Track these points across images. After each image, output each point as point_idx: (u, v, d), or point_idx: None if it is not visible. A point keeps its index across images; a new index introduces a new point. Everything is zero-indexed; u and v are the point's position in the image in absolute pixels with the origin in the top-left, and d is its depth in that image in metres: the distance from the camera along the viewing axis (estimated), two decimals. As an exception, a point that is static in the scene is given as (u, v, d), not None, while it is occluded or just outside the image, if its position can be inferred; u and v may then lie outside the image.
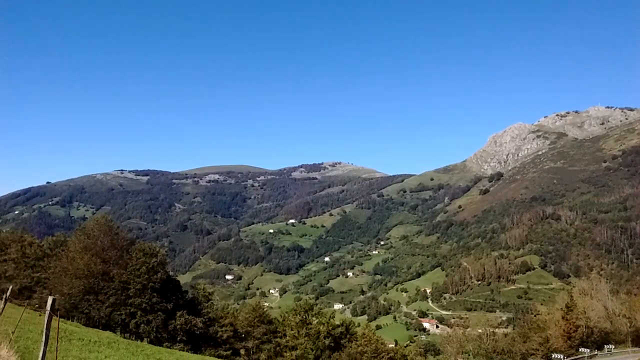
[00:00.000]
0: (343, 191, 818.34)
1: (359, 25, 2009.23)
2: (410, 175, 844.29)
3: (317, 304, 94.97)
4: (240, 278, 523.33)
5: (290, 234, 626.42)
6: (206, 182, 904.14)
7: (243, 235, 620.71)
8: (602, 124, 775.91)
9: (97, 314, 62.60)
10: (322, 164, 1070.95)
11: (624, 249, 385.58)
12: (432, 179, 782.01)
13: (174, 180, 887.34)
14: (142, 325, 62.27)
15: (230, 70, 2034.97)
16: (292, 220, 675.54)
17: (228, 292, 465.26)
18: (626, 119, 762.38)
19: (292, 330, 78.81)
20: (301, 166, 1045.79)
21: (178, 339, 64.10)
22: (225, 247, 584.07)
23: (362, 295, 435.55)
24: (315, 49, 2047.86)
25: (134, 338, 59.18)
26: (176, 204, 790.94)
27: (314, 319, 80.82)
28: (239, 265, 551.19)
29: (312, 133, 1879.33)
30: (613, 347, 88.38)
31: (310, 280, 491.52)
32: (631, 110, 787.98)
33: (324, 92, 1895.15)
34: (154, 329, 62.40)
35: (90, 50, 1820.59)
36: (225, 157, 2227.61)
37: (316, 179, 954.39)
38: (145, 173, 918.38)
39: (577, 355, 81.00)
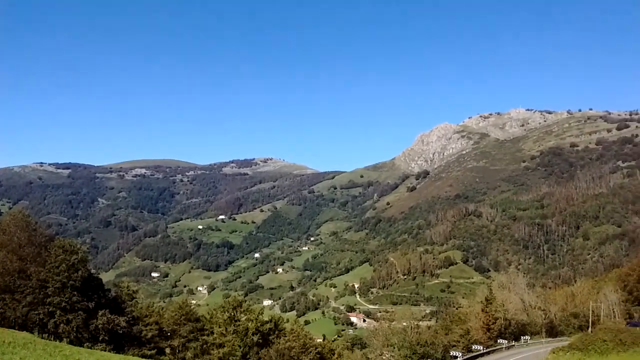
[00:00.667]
0: (274, 187, 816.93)
1: (280, 14, 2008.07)
2: (341, 172, 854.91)
3: (246, 301, 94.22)
4: (167, 275, 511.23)
5: (220, 230, 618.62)
6: (132, 176, 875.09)
7: (171, 232, 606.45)
8: (522, 125, 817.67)
9: (13, 314, 59.32)
10: (253, 159, 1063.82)
11: (540, 244, 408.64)
12: (362, 176, 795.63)
13: (97, 174, 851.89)
14: (62, 325, 59.59)
15: (159, 59, 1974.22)
16: (222, 216, 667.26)
17: (154, 290, 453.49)
18: (544, 121, 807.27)
19: (219, 327, 77.94)
20: (232, 162, 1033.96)
21: (100, 338, 61.86)
22: (152, 244, 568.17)
23: (292, 291, 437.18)
24: (246, 41, 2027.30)
25: (52, 338, 56.56)
26: (99, 199, 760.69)
27: (242, 315, 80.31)
28: (165, 263, 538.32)
29: (244, 128, 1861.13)
30: (529, 338, 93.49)
31: (240, 277, 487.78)
32: (549, 113, 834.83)
33: (257, 87, 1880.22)
34: (74, 329, 59.88)
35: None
36: (153, 151, 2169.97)
37: (247, 174, 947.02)
38: (66, 166, 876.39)
39: (495, 346, 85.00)
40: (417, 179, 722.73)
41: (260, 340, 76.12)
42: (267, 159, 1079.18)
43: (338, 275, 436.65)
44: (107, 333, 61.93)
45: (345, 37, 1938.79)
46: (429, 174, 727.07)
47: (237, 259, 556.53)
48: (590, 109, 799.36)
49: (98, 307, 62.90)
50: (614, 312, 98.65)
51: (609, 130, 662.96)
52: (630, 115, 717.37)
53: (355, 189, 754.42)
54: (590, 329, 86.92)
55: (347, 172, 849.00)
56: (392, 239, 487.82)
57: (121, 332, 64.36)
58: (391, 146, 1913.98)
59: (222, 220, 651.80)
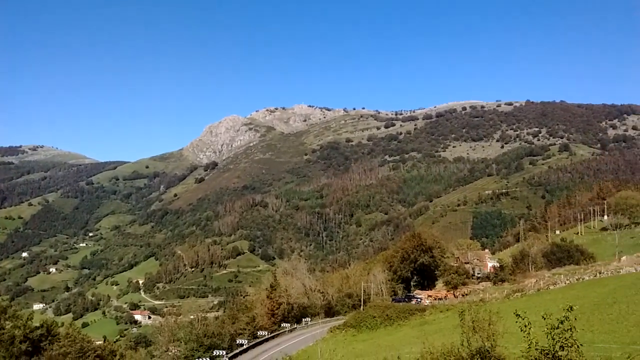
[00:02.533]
0: (45, 178, 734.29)
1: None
2: (124, 163, 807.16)
3: (12, 306, 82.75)
4: None
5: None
6: None
7: None
8: (305, 120, 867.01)
9: None
10: (20, 147, 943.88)
11: (320, 232, 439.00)
12: (147, 167, 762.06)
13: None
14: None
15: None
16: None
17: None
18: (324, 117, 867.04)
19: (-25, 339, 67.23)
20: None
21: None
22: None
23: (67, 292, 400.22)
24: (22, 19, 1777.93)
25: None
26: None
27: (7, 322, 70.48)
28: None
29: (8, 112, 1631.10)
30: (310, 319, 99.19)
31: (4, 280, 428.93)
32: (329, 110, 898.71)
33: (23, 66, 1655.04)
34: None
35: None
36: None
37: (13, 163, 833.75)
38: None
39: (279, 330, 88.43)
40: (205, 170, 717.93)
41: (30, 348, 67.66)
42: (37, 147, 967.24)
43: (121, 272, 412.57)
44: None
45: (134, 21, 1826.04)
46: (217, 165, 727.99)
47: (1, 259, 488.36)
48: (363, 108, 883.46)
49: None
50: (382, 290, 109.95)
51: (378, 128, 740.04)
52: (396, 115, 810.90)
53: (140, 180, 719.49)
54: (362, 307, 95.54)
55: (131, 162, 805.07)
56: (179, 232, 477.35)
57: None
58: (179, 136, 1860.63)
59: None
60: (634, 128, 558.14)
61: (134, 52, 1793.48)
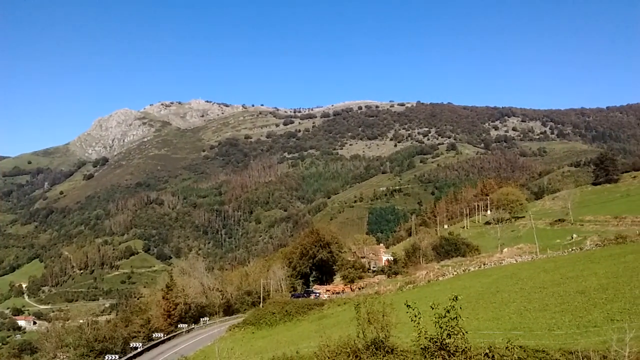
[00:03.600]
0: None
1: None
2: (4, 158, 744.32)
3: None
4: None
5: None
6: None
7: None
8: (202, 116, 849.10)
9: None
10: None
11: (219, 229, 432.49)
12: (29, 162, 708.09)
13: None
14: None
15: None
16: None
17: None
18: (222, 113, 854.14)
19: None
20: None
21: None
22: None
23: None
24: None
25: None
26: None
27: None
28: None
29: None
30: (208, 319, 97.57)
31: None
32: (227, 106, 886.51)
33: None
34: None
35: None
36: None
37: None
38: None
39: (176, 331, 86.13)
40: (94, 167, 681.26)
41: None
42: None
43: (1, 276, 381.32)
44: None
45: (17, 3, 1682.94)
46: (108, 162, 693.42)
47: None
48: (262, 105, 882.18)
49: None
50: (281, 286, 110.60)
51: (277, 125, 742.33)
52: (295, 112, 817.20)
53: (22, 176, 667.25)
54: (261, 304, 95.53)
55: (11, 157, 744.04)
56: (66, 232, 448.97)
57: None
58: (65, 130, 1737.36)
59: None
60: (514, 129, 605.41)
61: (15, 35, 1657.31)
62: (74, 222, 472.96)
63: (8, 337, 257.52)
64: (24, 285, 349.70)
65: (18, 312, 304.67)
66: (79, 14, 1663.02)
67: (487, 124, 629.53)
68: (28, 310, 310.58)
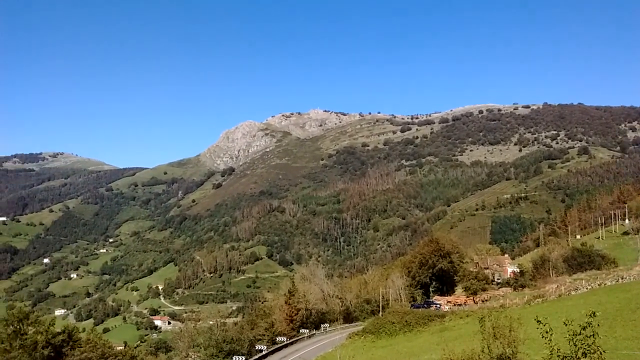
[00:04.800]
0: (66, 185, 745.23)
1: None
2: (143, 169, 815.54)
3: (34, 312, 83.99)
4: None
5: (0, 233, 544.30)
6: None
7: None
8: (321, 125, 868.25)
9: None
10: (40, 154, 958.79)
11: (337, 237, 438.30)
12: (165, 173, 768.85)
13: None
14: None
15: None
16: (2, 218, 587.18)
17: None
18: (340, 122, 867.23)
19: (2, 343, 68.45)
20: (15, 156, 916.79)
21: None
22: None
23: (88, 297, 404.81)
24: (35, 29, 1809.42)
25: None
26: None
27: (30, 328, 71.48)
28: None
29: (29, 119, 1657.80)
30: (328, 325, 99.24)
31: (27, 285, 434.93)
32: (344, 114, 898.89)
33: (42, 73, 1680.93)
34: None
35: None
36: None
37: (33, 170, 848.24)
38: None
39: (298, 336, 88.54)
40: (222, 176, 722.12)
41: (52, 354, 68.49)
42: (57, 154, 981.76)
43: (140, 278, 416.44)
44: None
45: (146, 30, 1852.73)
46: (234, 171, 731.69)
47: (23, 265, 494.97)
48: (379, 112, 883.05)
49: None
50: (400, 296, 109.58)
51: (394, 132, 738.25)
52: (412, 118, 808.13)
53: (159, 186, 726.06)
54: (381, 313, 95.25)
55: (150, 168, 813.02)
56: (197, 237, 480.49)
57: None
58: (196, 142, 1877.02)
59: (4, 223, 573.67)
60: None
61: (152, 57, 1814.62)
62: (205, 228, 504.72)
63: (146, 335, 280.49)
64: (160, 287, 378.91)
65: (155, 312, 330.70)
66: (213, 32, 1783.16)
67: (623, 125, 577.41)
68: (164, 310, 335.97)
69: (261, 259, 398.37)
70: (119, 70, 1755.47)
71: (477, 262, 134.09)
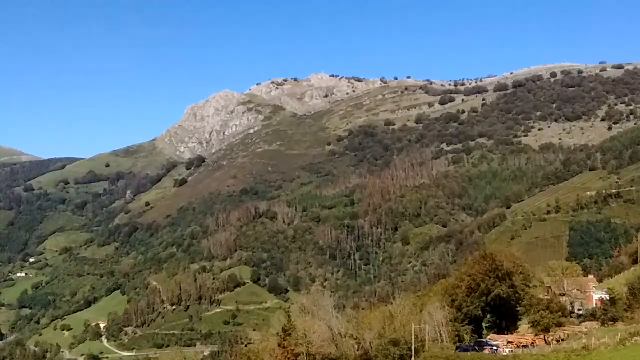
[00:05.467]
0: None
1: None
2: (76, 160, 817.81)
3: None
4: None
5: None
6: None
7: None
8: (327, 96, 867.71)
9: None
10: None
11: (352, 252, 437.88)
12: (108, 165, 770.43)
13: None
14: None
15: None
16: None
17: None
18: (353, 91, 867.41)
19: None
20: None
21: None
22: None
23: (1, 341, 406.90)
24: None
25: None
26: None
27: None
28: None
29: None
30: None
31: None
32: (359, 81, 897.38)
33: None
34: None
35: None
36: None
37: None
38: None
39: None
40: (188, 169, 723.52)
41: None
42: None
43: (74, 312, 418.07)
44: None
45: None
46: (205, 162, 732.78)
47: None
48: (409, 77, 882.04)
49: None
50: (441, 334, 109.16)
51: (430, 105, 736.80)
52: (456, 86, 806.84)
53: (98, 183, 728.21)
54: (413, 359, 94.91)
55: (86, 159, 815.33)
56: (154, 255, 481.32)
57: None
58: (150, 123, 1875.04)
59: None
60: None
61: (85, 12, 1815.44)
62: (164, 242, 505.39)
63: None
64: (102, 325, 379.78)
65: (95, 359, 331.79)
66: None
67: None
68: (107, 357, 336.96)
69: (244, 284, 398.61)
70: (38, 30, 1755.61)
71: (550, 287, 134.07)
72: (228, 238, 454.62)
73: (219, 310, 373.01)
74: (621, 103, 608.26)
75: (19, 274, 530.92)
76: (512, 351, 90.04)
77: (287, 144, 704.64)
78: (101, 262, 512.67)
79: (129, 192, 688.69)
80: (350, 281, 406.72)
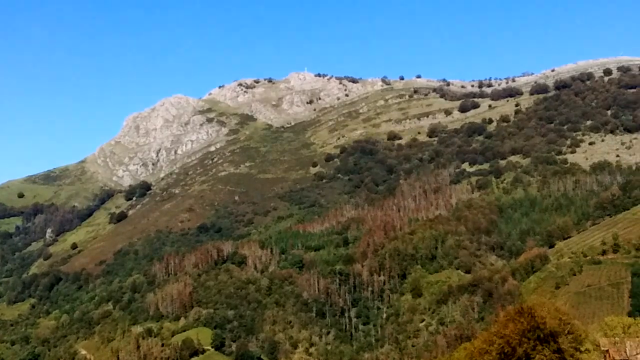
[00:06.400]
0: None
1: None
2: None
3: None
4: None
5: None
6: None
7: None
8: (311, 102, 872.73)
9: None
10: None
11: (345, 308, 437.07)
12: (21, 195, 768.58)
13: None
14: None
15: None
16: None
17: None
18: (346, 95, 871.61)
19: None
20: None
21: None
22: None
23: None
24: None
25: None
26: None
27: None
28: None
29: None
30: None
31: None
32: (355, 81, 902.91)
33: None
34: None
35: None
36: None
37: None
38: None
39: None
40: (128, 199, 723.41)
41: None
42: None
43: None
44: None
45: None
46: (150, 190, 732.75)
47: None
48: (419, 77, 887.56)
49: None
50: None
51: (448, 112, 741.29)
52: (480, 87, 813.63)
53: (9, 219, 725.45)
54: None
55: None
56: (83, 314, 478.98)
57: None
58: (78, 139, 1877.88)
59: None
60: None
61: None
62: (97, 297, 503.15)
63: None
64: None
65: None
66: None
67: None
68: None
69: (203, 352, 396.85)
70: None
71: (608, 350, 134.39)
72: (181, 291, 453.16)
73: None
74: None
75: None
76: None
77: (259, 165, 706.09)
78: (12, 325, 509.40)
79: (49, 230, 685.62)
80: (344, 346, 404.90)
